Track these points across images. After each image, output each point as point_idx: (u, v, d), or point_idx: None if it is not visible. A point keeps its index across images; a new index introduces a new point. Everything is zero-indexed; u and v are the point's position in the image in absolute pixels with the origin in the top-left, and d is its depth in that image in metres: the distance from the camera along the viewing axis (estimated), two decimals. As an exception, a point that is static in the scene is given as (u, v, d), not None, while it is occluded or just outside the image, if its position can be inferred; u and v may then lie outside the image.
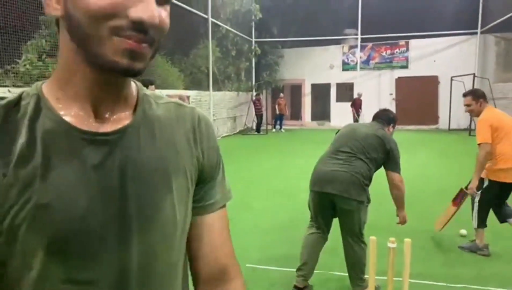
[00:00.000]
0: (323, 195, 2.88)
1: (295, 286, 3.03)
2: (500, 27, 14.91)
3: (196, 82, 14.05)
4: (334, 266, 3.50)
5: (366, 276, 2.81)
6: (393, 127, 3.21)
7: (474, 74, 14.97)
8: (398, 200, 3.08)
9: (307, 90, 19.22)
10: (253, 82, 18.17)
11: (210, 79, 13.64)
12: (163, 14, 0.59)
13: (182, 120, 0.71)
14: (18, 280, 0.58)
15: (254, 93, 17.41)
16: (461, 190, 4.08)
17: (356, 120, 15.78)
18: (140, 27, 0.55)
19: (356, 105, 16.06)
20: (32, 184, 0.56)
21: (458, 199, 4.08)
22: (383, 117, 3.21)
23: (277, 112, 16.93)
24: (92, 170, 0.59)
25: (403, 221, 3.21)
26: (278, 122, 17.08)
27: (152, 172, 0.63)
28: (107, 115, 0.63)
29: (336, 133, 3.21)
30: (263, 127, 16.39)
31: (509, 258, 3.72)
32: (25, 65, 7.22)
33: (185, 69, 13.86)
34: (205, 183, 0.74)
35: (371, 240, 2.20)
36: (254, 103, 16.51)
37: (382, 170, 3.09)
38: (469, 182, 3.87)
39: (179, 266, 0.71)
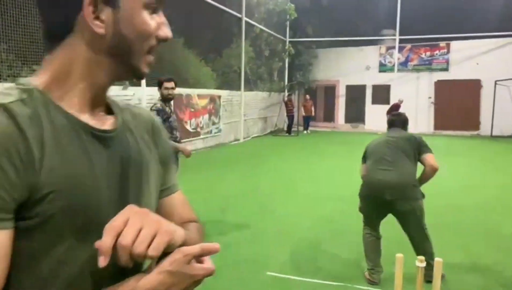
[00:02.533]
0: (380, 201, 3.18)
1: (370, 281, 3.28)
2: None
3: (228, 82, 14.03)
4: (358, 279, 3.31)
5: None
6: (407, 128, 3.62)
7: (520, 78, 14.13)
8: (426, 178, 3.26)
9: (341, 92, 18.80)
10: (286, 83, 17.95)
11: (242, 79, 13.58)
12: None
13: (143, 120, 0.85)
14: (44, 257, 0.64)
15: (286, 94, 17.21)
16: None
17: None
18: (163, 42, 0.74)
19: (393, 111, 15.35)
20: (54, 171, 0.63)
21: None
22: (398, 123, 3.55)
23: (303, 114, 16.63)
24: (100, 161, 0.69)
25: None
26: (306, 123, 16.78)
27: (140, 165, 0.77)
28: (99, 116, 0.74)
29: (366, 150, 3.49)
30: (294, 129, 16.15)
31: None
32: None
33: (218, 69, 13.86)
34: (164, 170, 0.86)
35: (398, 257, 2.02)
36: (285, 104, 16.31)
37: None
38: None
39: None
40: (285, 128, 16.66)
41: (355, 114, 18.55)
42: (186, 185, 7.07)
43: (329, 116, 19.41)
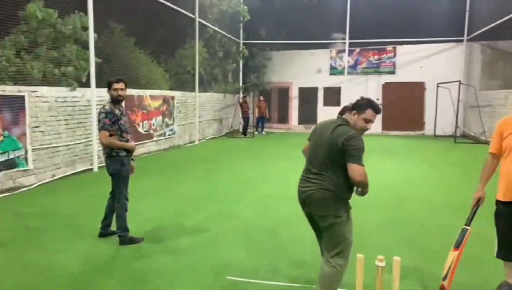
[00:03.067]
0: (307, 214, 2.92)
1: None
2: (486, 36, 15.04)
3: (182, 82, 13.80)
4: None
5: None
6: (358, 112, 2.79)
7: (460, 81, 15.05)
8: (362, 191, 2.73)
9: (294, 94, 19.09)
10: (240, 84, 17.99)
11: (196, 80, 13.40)
12: None
13: None
14: None
15: (241, 95, 17.24)
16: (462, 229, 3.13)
17: None
18: None
19: (343, 113, 15.84)
20: None
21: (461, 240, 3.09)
22: (352, 107, 2.95)
23: (257, 114, 16.86)
24: None
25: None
26: (260, 125, 17.02)
27: None
28: None
29: (310, 137, 3.01)
30: (249, 130, 16.23)
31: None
32: (1, 61, 6.90)
33: (171, 69, 13.59)
34: None
35: (358, 258, 2.06)
36: (241, 105, 16.34)
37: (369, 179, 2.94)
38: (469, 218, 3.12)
39: None
40: (241, 130, 16.67)
41: (308, 116, 18.90)
42: (140, 189, 6.86)
43: (283, 118, 19.65)
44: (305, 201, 2.80)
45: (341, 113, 14.54)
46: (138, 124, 10.30)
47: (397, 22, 16.11)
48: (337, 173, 2.67)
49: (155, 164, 9.34)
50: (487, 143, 13.44)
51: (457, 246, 2.96)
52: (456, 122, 15.28)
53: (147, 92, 10.72)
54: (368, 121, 2.77)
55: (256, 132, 16.70)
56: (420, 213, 5.41)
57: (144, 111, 10.57)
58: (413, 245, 4.21)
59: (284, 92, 19.40)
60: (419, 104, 17.32)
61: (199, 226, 4.77)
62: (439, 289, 2.88)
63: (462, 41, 16.45)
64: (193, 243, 4.21)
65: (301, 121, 19.13)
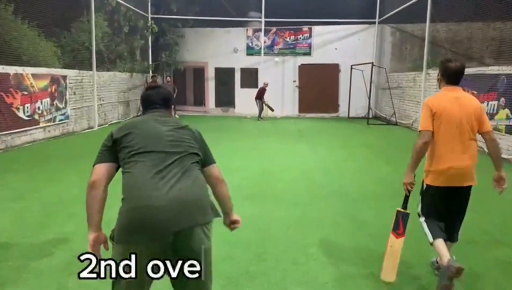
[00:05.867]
0: (165, 244, 1.76)
1: None
2: (396, 18, 15.32)
3: (80, 60, 12.12)
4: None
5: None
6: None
7: (372, 63, 15.20)
8: (228, 198, 2.15)
9: (210, 74, 18.08)
10: (150, 63, 16.53)
11: (93, 57, 11.79)
12: None
13: None
14: None
15: (150, 75, 15.85)
16: (398, 211, 2.92)
17: (262, 110, 15.22)
18: None
19: (260, 95, 15.33)
20: None
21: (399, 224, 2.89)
22: (160, 102, 2.16)
23: None
24: None
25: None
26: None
27: None
28: None
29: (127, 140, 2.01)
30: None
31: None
32: None
33: (65, 45, 11.83)
34: None
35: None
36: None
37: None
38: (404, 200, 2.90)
39: None
40: (150, 113, 15.32)
41: (225, 98, 18.10)
42: (2, 190, 5.26)
43: (200, 100, 18.60)
44: (167, 219, 1.75)
45: (259, 96, 13.73)
46: (18, 108, 8.65)
47: (312, 1, 15.79)
48: (198, 169, 2.00)
49: (35, 156, 7.85)
50: (397, 124, 13.82)
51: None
52: (369, 104, 15.48)
53: (27, 70, 9.03)
54: None
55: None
56: (334, 206, 4.89)
57: (25, 93, 8.90)
58: (325, 246, 3.61)
59: (199, 73, 18.30)
60: (333, 86, 17.34)
61: (64, 239, 3.72)
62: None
63: (374, 23, 16.65)
64: (48, 267, 3.18)
65: (218, 104, 18.26)
